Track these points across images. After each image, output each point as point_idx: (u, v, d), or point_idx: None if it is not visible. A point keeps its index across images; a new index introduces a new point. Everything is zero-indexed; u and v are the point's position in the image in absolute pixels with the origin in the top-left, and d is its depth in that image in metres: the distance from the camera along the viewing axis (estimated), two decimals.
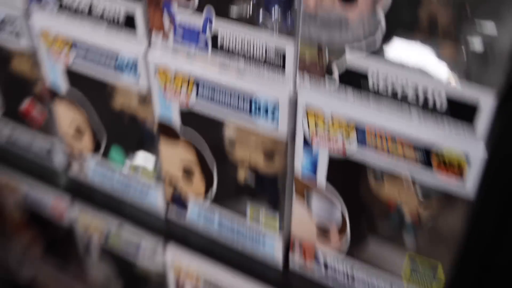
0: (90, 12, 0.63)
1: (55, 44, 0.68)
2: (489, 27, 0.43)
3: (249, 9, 0.52)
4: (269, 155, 0.62)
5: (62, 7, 0.65)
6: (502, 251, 0.47)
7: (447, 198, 0.55)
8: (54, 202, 0.88)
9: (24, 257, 1.09)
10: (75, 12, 0.64)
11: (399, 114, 0.49)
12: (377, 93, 0.49)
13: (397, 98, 0.48)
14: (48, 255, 1.04)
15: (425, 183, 0.54)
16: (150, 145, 0.73)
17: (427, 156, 0.49)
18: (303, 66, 0.52)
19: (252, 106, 0.56)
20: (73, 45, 0.66)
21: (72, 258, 0.99)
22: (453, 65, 0.46)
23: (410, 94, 0.47)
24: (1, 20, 0.71)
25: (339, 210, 0.60)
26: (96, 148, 0.77)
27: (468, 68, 0.46)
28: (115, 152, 0.76)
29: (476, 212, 0.46)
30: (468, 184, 0.48)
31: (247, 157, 0.64)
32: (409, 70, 0.47)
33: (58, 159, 0.82)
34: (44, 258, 1.05)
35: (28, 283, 1.15)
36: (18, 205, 0.98)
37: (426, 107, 0.47)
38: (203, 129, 0.65)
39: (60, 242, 1.00)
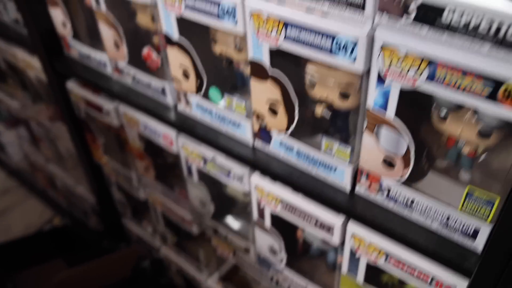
0: None
1: None
2: None
3: None
4: (344, 93, 0.58)
5: None
6: None
7: (508, 130, 0.48)
8: (165, 133, 0.88)
9: (142, 179, 1.12)
10: None
11: (471, 48, 0.43)
12: (450, 29, 0.43)
13: (470, 33, 0.42)
14: (159, 178, 1.06)
15: (488, 116, 0.48)
16: (242, 85, 0.70)
17: (495, 88, 0.43)
18: (382, 5, 0.46)
19: (333, 44, 0.51)
20: None
21: (177, 180, 0.99)
22: None
23: (484, 28, 0.41)
24: None
25: (405, 143, 0.55)
26: (199, 88, 0.75)
27: None
28: (213, 92, 0.74)
29: None
30: None
31: (325, 95, 0.60)
32: (484, 5, 0.40)
33: (170, 97, 0.82)
34: (156, 180, 1.07)
35: (144, 200, 1.18)
36: (139, 136, 0.99)
37: (498, 40, 0.41)
38: (288, 69, 0.61)
39: (168, 167, 1.01)
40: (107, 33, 0.84)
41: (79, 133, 1.15)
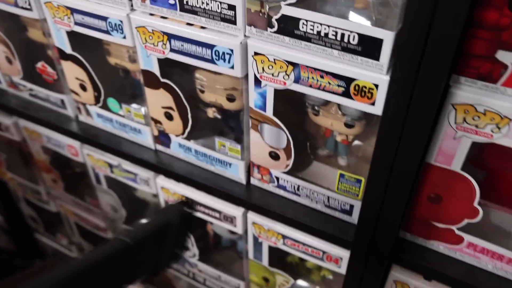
0: None
1: (58, 12, 0.67)
2: None
3: None
4: (230, 96, 0.64)
5: None
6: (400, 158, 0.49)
7: (366, 119, 0.57)
8: (69, 144, 0.89)
9: (51, 192, 1.11)
10: None
11: (324, 53, 0.50)
12: (307, 37, 0.50)
13: (322, 40, 0.49)
14: (69, 189, 1.06)
15: (349, 110, 0.56)
16: (141, 93, 0.74)
17: (347, 86, 0.51)
18: (250, 20, 0.52)
19: (213, 54, 0.57)
20: (72, 12, 0.66)
21: (87, 189, 1.00)
22: (364, 14, 0.47)
23: (332, 36, 0.48)
24: None
25: (285, 137, 0.62)
26: (97, 99, 0.77)
27: (375, 16, 0.47)
28: (112, 102, 0.76)
29: (383, 125, 0.48)
30: (378, 104, 0.49)
31: (214, 99, 0.66)
32: (331, 18, 0.48)
33: (70, 109, 0.83)
34: (66, 191, 1.07)
35: (56, 212, 1.17)
36: (43, 149, 0.99)
37: (344, 46, 0.48)
38: (178, 77, 0.66)
39: (77, 177, 1.02)
40: None
41: None
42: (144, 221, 0.37)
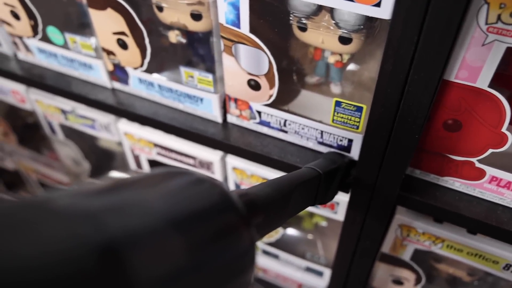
0: None
1: None
2: None
3: None
4: (196, 12, 0.51)
5: None
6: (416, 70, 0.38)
7: (366, 30, 0.45)
8: (13, 89, 0.76)
9: (4, 147, 0.98)
10: None
11: None
12: None
13: None
14: (24, 142, 0.94)
15: (345, 20, 0.45)
16: (88, 22, 0.60)
17: None
18: None
19: None
20: None
21: (44, 142, 0.88)
22: None
23: None
24: None
25: (266, 60, 0.50)
26: (34, 29, 0.64)
27: None
28: (52, 32, 0.63)
29: (394, 28, 0.37)
30: (384, 4, 0.38)
31: (176, 18, 0.53)
32: None
33: (5, 44, 0.69)
34: (20, 145, 0.94)
35: (15, 170, 1.05)
36: None
37: None
38: None
39: (30, 129, 0.89)
40: None
41: None
42: (319, 160, 0.49)
